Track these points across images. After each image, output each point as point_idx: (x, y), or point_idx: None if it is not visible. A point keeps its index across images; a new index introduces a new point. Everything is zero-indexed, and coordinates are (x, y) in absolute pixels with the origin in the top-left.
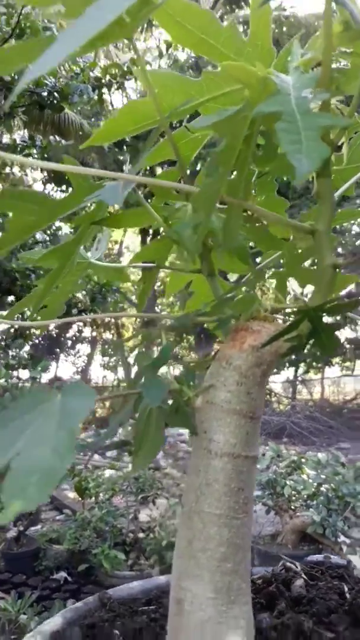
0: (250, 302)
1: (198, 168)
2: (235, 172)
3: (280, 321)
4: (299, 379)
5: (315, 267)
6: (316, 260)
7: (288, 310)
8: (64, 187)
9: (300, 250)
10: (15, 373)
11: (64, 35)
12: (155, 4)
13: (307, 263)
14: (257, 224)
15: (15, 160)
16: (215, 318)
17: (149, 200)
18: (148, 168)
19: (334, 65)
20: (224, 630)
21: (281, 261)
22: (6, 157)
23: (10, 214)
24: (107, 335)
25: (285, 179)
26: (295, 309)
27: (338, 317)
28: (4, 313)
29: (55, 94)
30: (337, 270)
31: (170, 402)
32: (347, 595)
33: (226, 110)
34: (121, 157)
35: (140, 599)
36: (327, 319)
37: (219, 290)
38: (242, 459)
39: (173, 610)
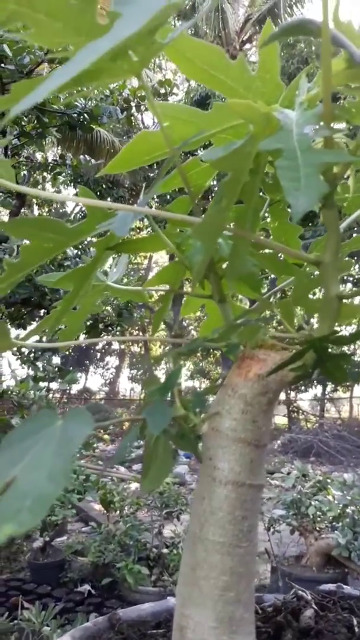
0: (256, 330)
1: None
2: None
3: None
4: (327, 396)
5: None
6: (322, 291)
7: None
8: None
9: (307, 280)
10: (44, 384)
11: (53, 74)
12: (161, 43)
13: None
14: (268, 250)
15: (29, 193)
16: (225, 344)
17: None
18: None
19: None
20: None
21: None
22: (25, 191)
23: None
24: (135, 348)
25: None
26: (301, 339)
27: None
28: (34, 325)
29: (85, 115)
30: (344, 300)
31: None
32: (356, 629)
33: (233, 144)
34: (151, 174)
35: (150, 621)
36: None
37: (230, 317)
38: (247, 488)
39: (176, 637)
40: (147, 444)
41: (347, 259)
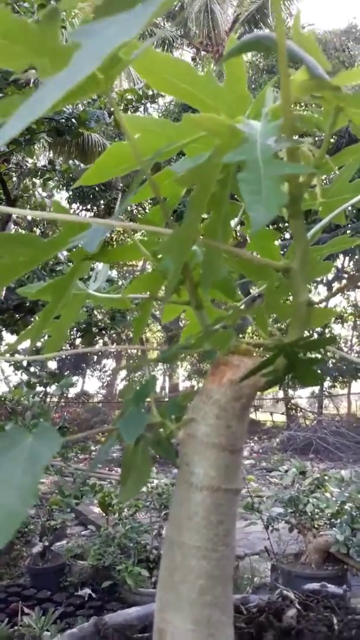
0: (228, 337)
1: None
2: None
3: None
4: (325, 393)
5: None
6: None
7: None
8: (88, 206)
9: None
10: (40, 389)
11: (17, 114)
12: (125, 60)
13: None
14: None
15: (9, 212)
16: (201, 350)
17: None
18: None
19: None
20: None
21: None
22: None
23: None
24: (132, 350)
25: None
26: (271, 345)
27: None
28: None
29: (73, 120)
30: (314, 305)
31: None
32: (335, 628)
33: (199, 158)
34: (144, 177)
35: (136, 625)
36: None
37: (206, 323)
38: (222, 492)
39: None
40: (125, 452)
41: (326, 261)
